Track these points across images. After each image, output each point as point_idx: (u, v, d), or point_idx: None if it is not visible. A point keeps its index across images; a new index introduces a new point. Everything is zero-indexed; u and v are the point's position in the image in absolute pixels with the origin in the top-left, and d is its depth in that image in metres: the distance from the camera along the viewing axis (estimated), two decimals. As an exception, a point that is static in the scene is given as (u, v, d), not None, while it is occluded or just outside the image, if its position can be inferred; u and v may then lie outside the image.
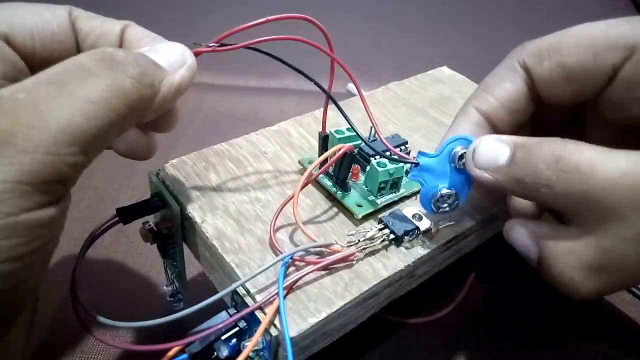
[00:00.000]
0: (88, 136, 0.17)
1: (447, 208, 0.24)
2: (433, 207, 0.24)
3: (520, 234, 0.22)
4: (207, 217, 0.25)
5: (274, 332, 0.20)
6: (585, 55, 0.22)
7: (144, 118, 0.20)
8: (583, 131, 0.26)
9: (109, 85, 0.18)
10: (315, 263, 0.22)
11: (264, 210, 0.26)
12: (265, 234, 0.24)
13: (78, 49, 0.22)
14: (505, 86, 0.24)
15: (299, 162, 0.29)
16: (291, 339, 0.20)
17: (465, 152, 0.23)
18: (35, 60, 0.21)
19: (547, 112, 0.25)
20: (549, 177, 0.20)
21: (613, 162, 0.19)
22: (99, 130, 0.17)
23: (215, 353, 0.21)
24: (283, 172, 0.29)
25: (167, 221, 0.27)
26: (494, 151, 0.21)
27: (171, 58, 0.21)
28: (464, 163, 0.23)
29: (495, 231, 0.29)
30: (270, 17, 0.22)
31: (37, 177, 0.16)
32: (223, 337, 0.21)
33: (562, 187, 0.19)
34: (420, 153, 0.24)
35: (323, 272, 0.23)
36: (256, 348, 0.21)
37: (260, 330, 0.20)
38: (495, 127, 0.25)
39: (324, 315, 0.21)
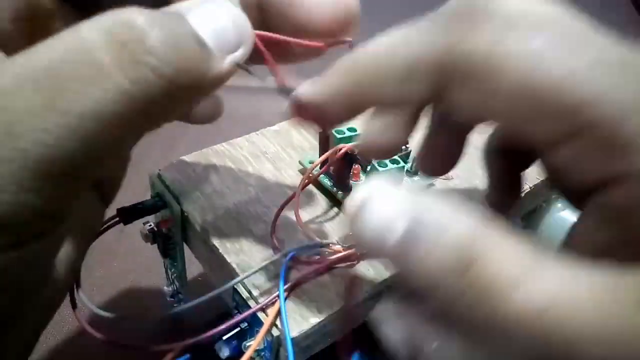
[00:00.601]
0: (84, 162, 0.12)
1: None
2: None
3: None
4: (207, 217, 0.25)
5: (275, 332, 0.20)
6: None
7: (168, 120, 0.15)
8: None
9: (127, 94, 0.12)
10: (316, 263, 0.22)
11: (265, 211, 0.26)
12: (266, 234, 0.24)
13: None
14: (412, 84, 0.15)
15: (300, 162, 0.29)
16: (292, 339, 0.20)
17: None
18: None
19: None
20: (448, 293, 0.12)
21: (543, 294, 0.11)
22: (104, 153, 0.13)
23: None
24: (284, 172, 0.29)
25: (168, 221, 0.27)
26: (385, 221, 0.13)
27: (224, 31, 0.14)
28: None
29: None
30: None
31: (5, 218, 0.12)
32: (224, 338, 0.21)
33: (465, 314, 0.12)
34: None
35: (324, 273, 0.23)
36: (258, 348, 0.21)
37: (262, 331, 0.20)
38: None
39: (325, 315, 0.21)
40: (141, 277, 0.34)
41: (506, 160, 0.20)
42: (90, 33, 0.12)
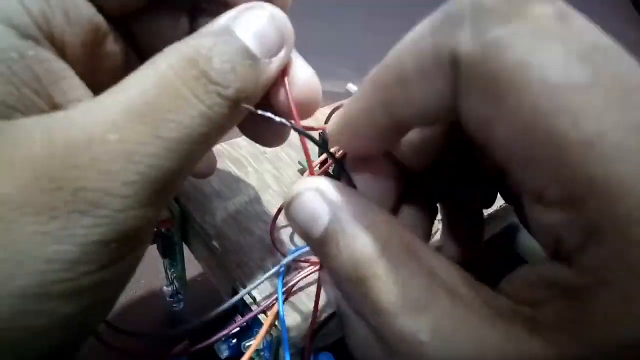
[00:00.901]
0: (180, 177, 0.15)
1: None
2: None
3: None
4: (207, 217, 0.25)
5: (274, 332, 0.20)
6: None
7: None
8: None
9: (208, 118, 0.14)
10: (316, 263, 0.22)
11: (264, 211, 0.26)
12: (266, 234, 0.24)
13: None
14: (431, 91, 0.13)
15: (299, 163, 0.29)
16: (291, 339, 0.20)
17: None
18: (117, 11, 0.17)
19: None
20: (350, 294, 0.14)
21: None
22: (193, 167, 0.15)
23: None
24: (283, 173, 0.29)
25: (168, 222, 0.27)
26: (311, 213, 0.14)
27: (267, 36, 0.16)
28: None
29: (495, 231, 0.29)
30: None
31: (122, 235, 0.14)
32: (224, 339, 0.21)
33: (364, 313, 0.13)
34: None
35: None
36: (257, 348, 0.21)
37: (262, 332, 0.20)
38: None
39: (324, 315, 0.21)
40: (141, 278, 0.34)
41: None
42: (169, 71, 0.14)
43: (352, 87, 0.50)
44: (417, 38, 0.13)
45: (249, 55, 0.15)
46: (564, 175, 0.11)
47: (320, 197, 0.14)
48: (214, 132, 0.15)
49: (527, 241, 0.33)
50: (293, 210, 0.14)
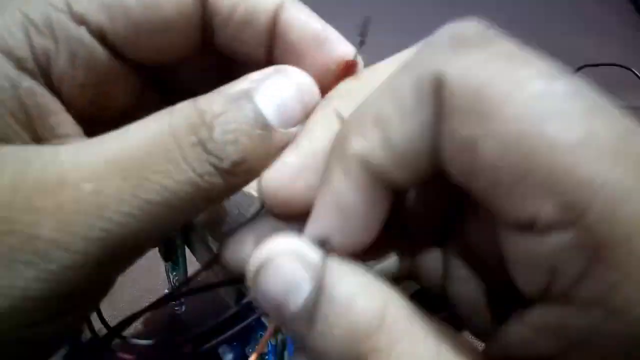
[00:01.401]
0: (151, 240, 0.14)
1: None
2: None
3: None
4: (209, 220, 0.25)
5: (279, 336, 0.20)
6: None
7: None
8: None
9: (195, 186, 0.13)
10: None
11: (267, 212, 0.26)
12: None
13: (206, 39, 0.16)
14: (411, 123, 0.12)
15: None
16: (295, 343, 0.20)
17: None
18: (133, 61, 0.16)
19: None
20: None
21: None
22: (168, 231, 0.14)
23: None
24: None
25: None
26: (288, 282, 0.12)
27: (290, 105, 0.14)
28: None
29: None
30: None
31: (65, 293, 0.13)
32: (227, 342, 0.21)
33: None
34: None
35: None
36: (262, 352, 0.21)
37: (266, 335, 0.20)
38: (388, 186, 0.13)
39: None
40: (142, 280, 0.34)
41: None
42: (166, 130, 0.13)
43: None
44: (391, 80, 0.13)
45: (261, 124, 0.14)
46: (560, 183, 0.10)
47: (297, 262, 0.12)
48: (201, 200, 0.14)
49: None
50: (262, 281, 0.12)
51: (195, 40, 0.16)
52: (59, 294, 0.13)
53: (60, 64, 0.15)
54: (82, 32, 0.15)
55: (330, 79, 0.16)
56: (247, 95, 0.14)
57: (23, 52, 0.14)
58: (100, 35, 0.15)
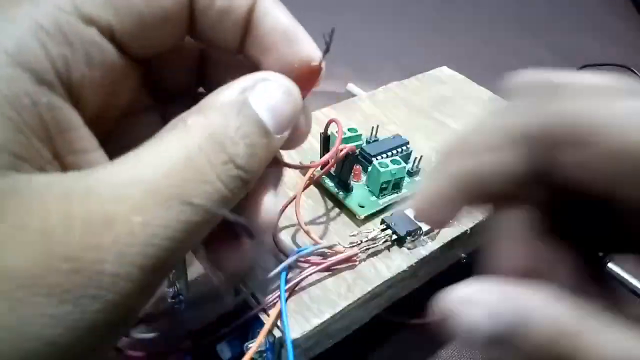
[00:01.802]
0: (176, 262, 0.15)
1: None
2: None
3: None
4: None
5: (277, 333, 0.20)
6: None
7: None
8: None
9: (223, 199, 0.14)
10: (318, 264, 0.22)
11: (266, 211, 0.26)
12: (268, 235, 0.24)
13: (190, 28, 0.17)
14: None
15: (300, 163, 0.29)
16: (293, 340, 0.20)
17: None
18: (134, 56, 0.16)
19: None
20: None
21: None
22: (194, 247, 0.15)
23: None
24: (284, 173, 0.29)
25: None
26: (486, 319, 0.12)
27: (282, 114, 0.16)
28: None
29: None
30: None
31: (122, 319, 0.13)
32: (226, 339, 0.21)
33: None
34: None
35: (326, 274, 0.23)
36: (260, 349, 0.21)
37: (263, 332, 0.20)
38: None
39: (327, 316, 0.21)
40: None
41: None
42: (198, 153, 0.14)
43: (352, 87, 0.50)
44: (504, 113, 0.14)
45: (264, 132, 0.15)
46: None
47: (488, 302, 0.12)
48: (227, 208, 0.15)
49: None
50: (464, 315, 0.12)
51: (183, 29, 0.16)
52: (119, 321, 0.13)
53: (79, 69, 0.14)
54: (93, 33, 0.14)
55: (292, 78, 0.16)
56: (246, 103, 0.15)
57: (41, 64, 0.13)
58: (109, 33, 0.15)
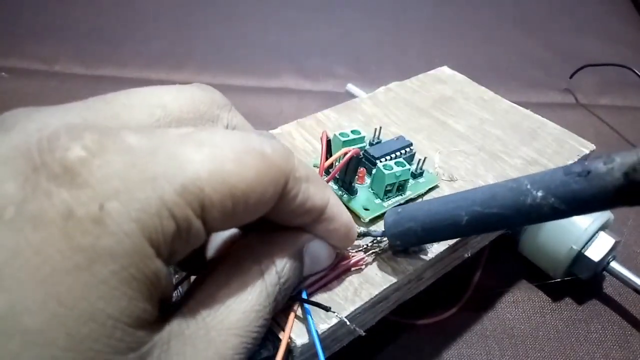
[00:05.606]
0: None
1: None
2: None
3: None
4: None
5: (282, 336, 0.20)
6: None
7: None
8: None
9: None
10: (327, 274, 0.22)
11: (270, 215, 0.26)
12: None
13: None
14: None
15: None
16: (301, 346, 0.20)
17: None
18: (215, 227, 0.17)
19: None
20: None
21: None
22: None
23: None
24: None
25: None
26: None
27: (320, 265, 0.21)
28: None
29: (500, 232, 0.29)
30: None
31: None
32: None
33: None
34: None
35: (333, 278, 0.23)
36: (267, 355, 0.21)
37: (282, 347, 0.19)
38: None
39: (334, 321, 0.21)
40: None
41: None
42: (266, 299, 0.18)
43: (352, 87, 0.50)
44: None
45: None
46: None
47: None
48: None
49: (530, 241, 0.33)
50: None
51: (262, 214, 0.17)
52: None
53: (180, 246, 0.15)
54: (192, 215, 0.14)
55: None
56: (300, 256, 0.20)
57: (159, 237, 0.14)
58: (203, 213, 0.15)
